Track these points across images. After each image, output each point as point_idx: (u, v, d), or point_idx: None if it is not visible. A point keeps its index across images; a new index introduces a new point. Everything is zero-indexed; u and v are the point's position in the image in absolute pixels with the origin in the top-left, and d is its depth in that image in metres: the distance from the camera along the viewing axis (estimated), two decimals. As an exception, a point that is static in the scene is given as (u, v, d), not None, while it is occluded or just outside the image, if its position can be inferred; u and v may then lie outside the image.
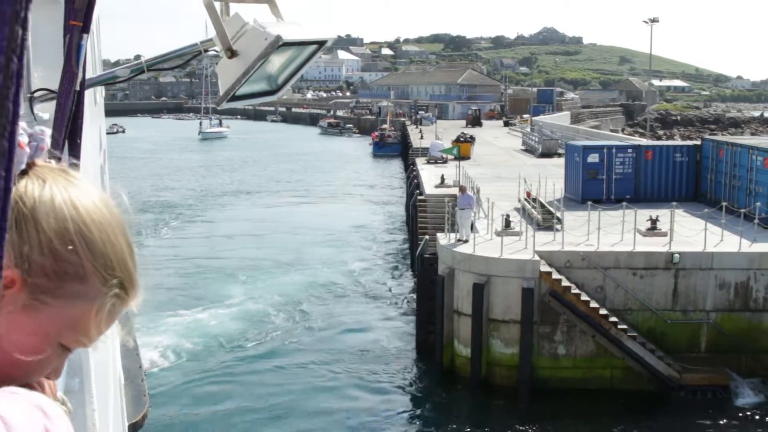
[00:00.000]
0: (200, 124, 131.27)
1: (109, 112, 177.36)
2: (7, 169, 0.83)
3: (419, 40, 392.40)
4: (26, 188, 1.21)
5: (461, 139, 54.80)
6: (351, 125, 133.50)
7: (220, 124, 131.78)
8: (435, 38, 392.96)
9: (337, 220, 49.51)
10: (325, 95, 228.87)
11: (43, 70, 2.35)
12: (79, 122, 1.89)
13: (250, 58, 2.57)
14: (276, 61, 2.77)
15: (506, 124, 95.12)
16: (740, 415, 21.15)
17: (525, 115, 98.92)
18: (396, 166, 78.90)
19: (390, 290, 33.17)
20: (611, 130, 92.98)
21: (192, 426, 20.69)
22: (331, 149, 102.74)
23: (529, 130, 71.28)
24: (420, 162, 50.07)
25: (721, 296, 23.11)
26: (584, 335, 22.26)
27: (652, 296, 22.99)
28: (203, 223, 50.16)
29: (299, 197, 60.57)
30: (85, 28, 1.86)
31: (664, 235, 24.46)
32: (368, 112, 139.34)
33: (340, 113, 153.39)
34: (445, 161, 48.01)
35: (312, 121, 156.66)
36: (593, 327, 21.98)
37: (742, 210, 24.29)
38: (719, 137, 37.77)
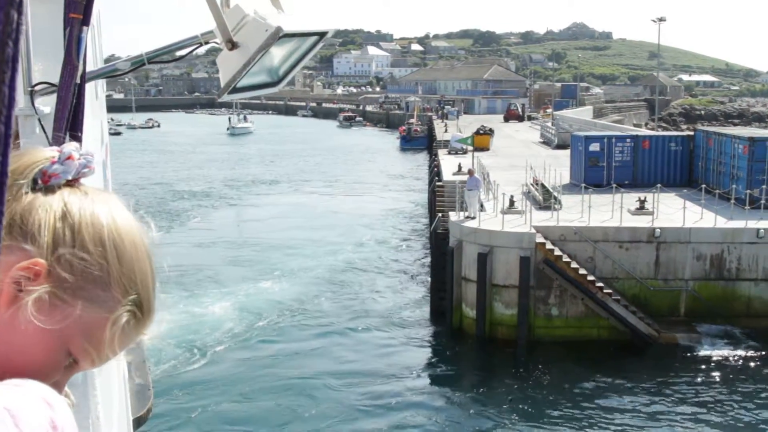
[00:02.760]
0: (229, 119, 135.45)
1: (144, 107, 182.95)
2: (3, 154, 0.84)
3: (449, 36, 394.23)
4: (70, 196, 1.26)
5: (480, 131, 57.98)
6: (361, 119, 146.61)
7: (245, 120, 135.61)
8: (464, 34, 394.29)
9: (368, 205, 53.59)
10: (355, 90, 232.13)
11: (43, 63, 2.35)
12: (79, 116, 1.89)
13: (250, 50, 2.59)
14: (277, 53, 2.79)
15: (528, 118, 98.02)
16: (707, 363, 24.31)
17: (548, 110, 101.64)
18: (422, 159, 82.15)
19: (409, 263, 36.98)
20: (634, 125, 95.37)
21: (197, 418, 21.19)
22: (360, 144, 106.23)
23: (550, 124, 74.20)
24: (442, 153, 53.39)
25: (698, 267, 26.28)
26: (574, 298, 25.56)
27: (636, 266, 26.21)
28: (240, 208, 54.16)
29: (333, 187, 64.28)
30: (86, 21, 1.89)
31: (651, 213, 27.68)
32: (396, 107, 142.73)
33: (369, 108, 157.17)
34: (465, 152, 51.17)
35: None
36: (582, 291, 25.27)
37: (717, 191, 27.43)
38: (709, 128, 40.72)
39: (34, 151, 1.30)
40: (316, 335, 27.37)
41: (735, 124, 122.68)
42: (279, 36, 2.59)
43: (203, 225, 47.49)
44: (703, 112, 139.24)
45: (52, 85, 2.19)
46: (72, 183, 1.29)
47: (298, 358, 25.46)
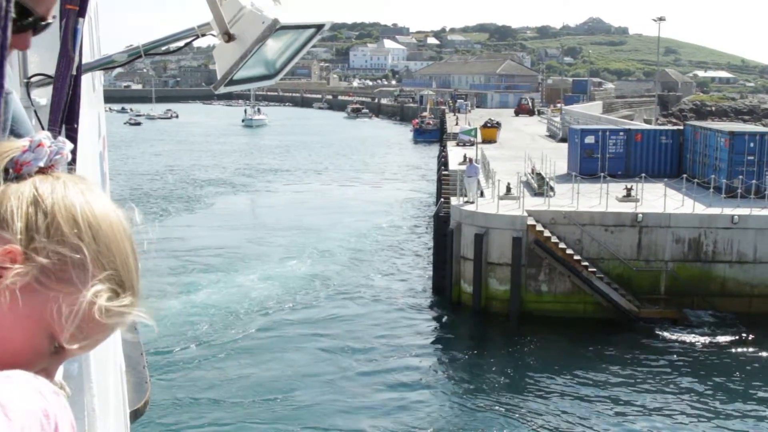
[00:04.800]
0: (245, 111, 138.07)
1: (163, 98, 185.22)
2: None
3: (465, 30, 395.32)
4: (41, 182, 1.27)
5: (488, 124, 60.41)
6: (366, 110, 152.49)
7: (259, 112, 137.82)
8: (480, 28, 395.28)
9: (381, 193, 56.86)
10: (370, 83, 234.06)
11: (39, 54, 2.32)
12: (76, 107, 1.91)
13: (247, 42, 2.62)
14: (274, 45, 2.82)
15: (538, 112, 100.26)
16: (683, 337, 26.75)
17: (559, 104, 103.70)
18: (434, 151, 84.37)
19: (415, 244, 40.06)
20: (644, 120, 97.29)
21: (195, 410, 21.33)
22: (374, 136, 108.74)
23: (558, 118, 76.42)
24: (450, 145, 55.92)
25: (677, 249, 28.66)
26: (562, 276, 28.05)
27: (620, 248, 28.64)
28: (256, 194, 57.01)
29: (348, 176, 67.09)
30: (81, 12, 1.89)
31: (636, 200, 30.12)
32: (411, 100, 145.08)
33: (384, 101, 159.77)
34: (473, 144, 53.64)
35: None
36: (569, 269, 27.75)
37: (696, 180, 29.84)
38: (697, 122, 43.04)
39: (6, 142, 1.33)
40: (327, 309, 29.90)
41: (745, 121, 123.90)
42: (276, 28, 2.63)
43: (221, 210, 50.24)
44: (713, 108, 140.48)
45: (48, 76, 2.18)
46: (45, 170, 1.30)
47: (309, 332, 27.65)
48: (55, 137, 1.34)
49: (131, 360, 5.06)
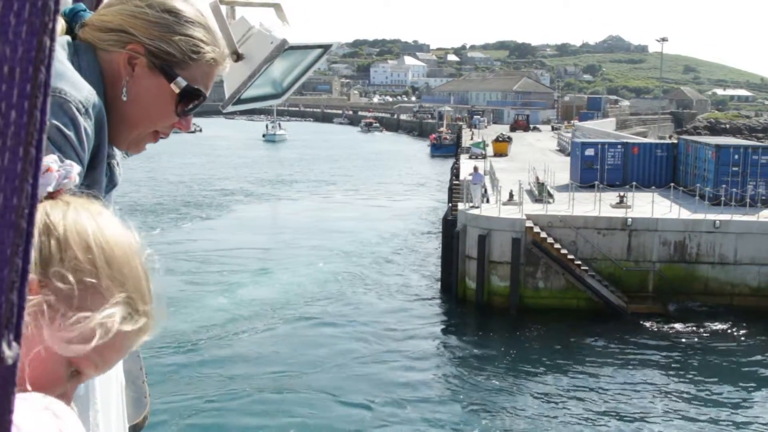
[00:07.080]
0: (266, 126, 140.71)
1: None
2: (34, 177, 0.83)
3: (485, 47, 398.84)
4: (51, 209, 1.26)
5: (499, 139, 63.36)
6: (378, 125, 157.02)
7: (279, 127, 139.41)
8: (500, 45, 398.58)
9: (398, 202, 60.03)
10: (390, 99, 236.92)
11: None
12: None
13: (255, 62, 2.66)
14: (281, 65, 2.86)
15: (553, 128, 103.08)
16: (667, 331, 29.45)
17: (573, 121, 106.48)
18: (450, 164, 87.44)
19: (426, 246, 43.20)
20: (658, 137, 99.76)
21: (195, 423, 21.33)
22: (393, 150, 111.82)
23: (570, 134, 79.08)
24: (463, 157, 58.94)
25: (664, 251, 31.36)
26: (557, 274, 30.84)
27: (611, 249, 31.39)
28: (278, 203, 60.17)
29: (367, 187, 70.24)
30: None
31: (628, 207, 32.90)
32: (430, 116, 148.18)
33: (403, 117, 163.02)
34: (484, 157, 56.64)
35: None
36: (563, 268, 30.54)
37: (681, 188, 32.64)
38: (690, 137, 45.79)
39: None
40: (343, 302, 32.68)
41: (758, 138, 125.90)
42: (284, 48, 2.65)
43: (243, 217, 53.26)
44: (727, 126, 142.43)
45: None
46: (54, 195, 1.30)
47: (325, 323, 30.21)
48: (62, 160, 1.35)
49: (130, 374, 4.54)
